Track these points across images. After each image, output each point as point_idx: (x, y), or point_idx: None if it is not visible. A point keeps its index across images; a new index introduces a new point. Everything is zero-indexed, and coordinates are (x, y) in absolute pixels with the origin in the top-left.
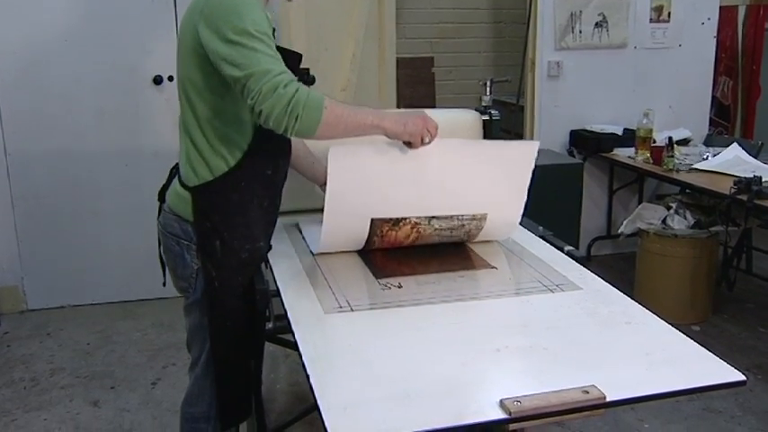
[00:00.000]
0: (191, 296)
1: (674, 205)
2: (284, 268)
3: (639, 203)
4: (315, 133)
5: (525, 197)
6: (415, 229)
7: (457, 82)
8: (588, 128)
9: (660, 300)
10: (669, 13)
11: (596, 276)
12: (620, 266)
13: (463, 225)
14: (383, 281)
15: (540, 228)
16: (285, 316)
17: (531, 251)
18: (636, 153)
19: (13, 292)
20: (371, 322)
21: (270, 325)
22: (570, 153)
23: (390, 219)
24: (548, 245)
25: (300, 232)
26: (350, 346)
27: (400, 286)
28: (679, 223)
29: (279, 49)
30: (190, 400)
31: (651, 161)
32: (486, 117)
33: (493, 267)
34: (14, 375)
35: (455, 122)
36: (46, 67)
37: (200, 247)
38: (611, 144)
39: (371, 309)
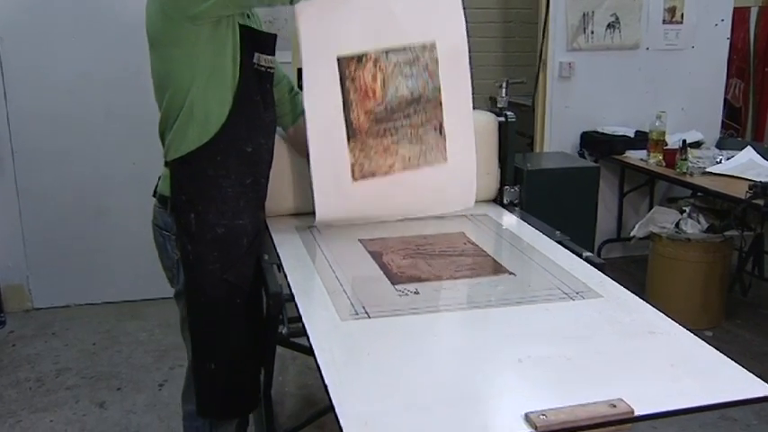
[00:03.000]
0: (175, 287)
1: (687, 209)
2: (298, 272)
3: (650, 206)
4: None
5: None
6: (377, 66)
7: None
8: (600, 129)
9: (672, 304)
10: (682, 15)
11: (616, 284)
12: (631, 270)
13: (418, 57)
14: (400, 287)
15: (558, 233)
16: (299, 320)
17: (548, 256)
18: (648, 156)
19: (19, 291)
20: (389, 329)
21: (284, 329)
22: (581, 155)
23: (353, 56)
24: (565, 250)
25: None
26: (368, 355)
27: (417, 292)
28: (692, 227)
29: (253, 30)
30: (185, 396)
31: (664, 164)
32: (502, 119)
33: (511, 273)
34: (20, 375)
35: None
36: (53, 64)
37: (176, 222)
38: (623, 146)
39: (388, 315)
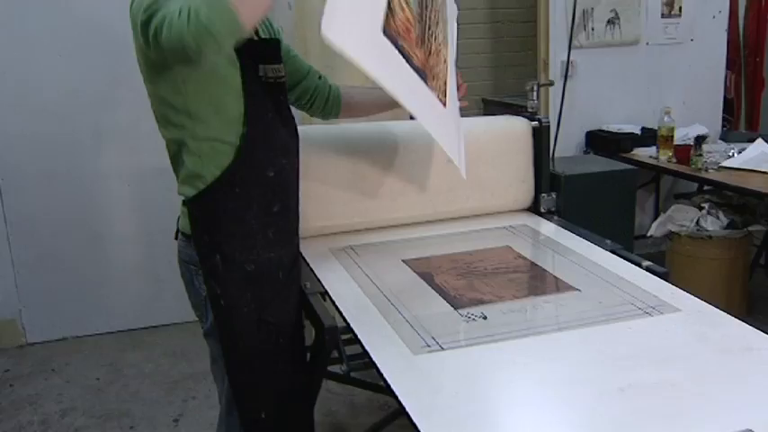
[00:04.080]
0: (204, 325)
1: (706, 206)
2: (348, 301)
3: (656, 203)
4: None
5: None
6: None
7: None
8: (604, 128)
9: None
10: (680, 8)
11: (689, 294)
12: None
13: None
14: (464, 311)
15: (608, 241)
16: (364, 356)
17: (606, 268)
18: (658, 152)
19: (11, 326)
20: (468, 361)
21: (344, 367)
22: (587, 154)
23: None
24: (622, 260)
25: None
26: (455, 393)
27: (485, 317)
28: (713, 224)
29: (252, 41)
30: None
31: (675, 160)
32: (536, 123)
33: (576, 290)
34: (21, 419)
35: (504, 130)
36: (38, 83)
37: (202, 265)
38: (631, 144)
39: (464, 346)
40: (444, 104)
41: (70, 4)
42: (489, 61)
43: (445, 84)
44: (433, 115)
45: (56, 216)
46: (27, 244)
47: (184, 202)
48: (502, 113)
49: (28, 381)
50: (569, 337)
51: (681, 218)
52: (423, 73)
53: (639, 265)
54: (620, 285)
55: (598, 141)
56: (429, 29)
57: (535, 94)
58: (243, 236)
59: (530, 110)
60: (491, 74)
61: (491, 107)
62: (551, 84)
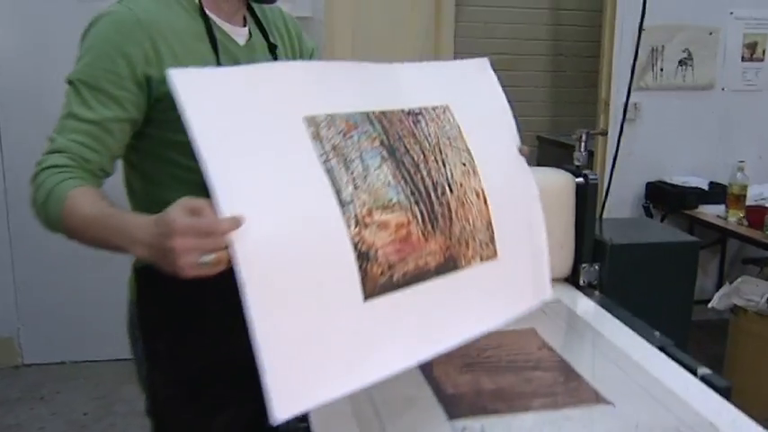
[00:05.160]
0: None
1: None
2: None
3: (721, 266)
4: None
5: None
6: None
7: None
8: (667, 179)
9: (762, 394)
10: (764, 51)
11: (757, 426)
12: (701, 339)
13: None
14: (460, 422)
15: (657, 333)
16: None
17: (651, 373)
18: (727, 212)
19: (8, 345)
20: None
21: None
22: (646, 208)
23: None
24: (671, 361)
25: None
26: None
27: None
28: None
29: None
30: None
31: (746, 223)
32: (581, 180)
33: (608, 403)
34: None
35: (543, 185)
36: (50, 96)
37: (144, 352)
38: (696, 200)
39: None
40: (496, 255)
41: None
42: (548, 96)
43: (489, 228)
44: (485, 301)
45: (61, 236)
46: (30, 262)
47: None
48: (556, 153)
49: (13, 407)
50: None
51: (749, 291)
52: (450, 262)
53: (694, 373)
54: (665, 401)
55: (659, 194)
56: (434, 198)
57: (583, 144)
58: (198, 326)
59: (576, 163)
60: (549, 109)
61: (545, 146)
62: (604, 133)
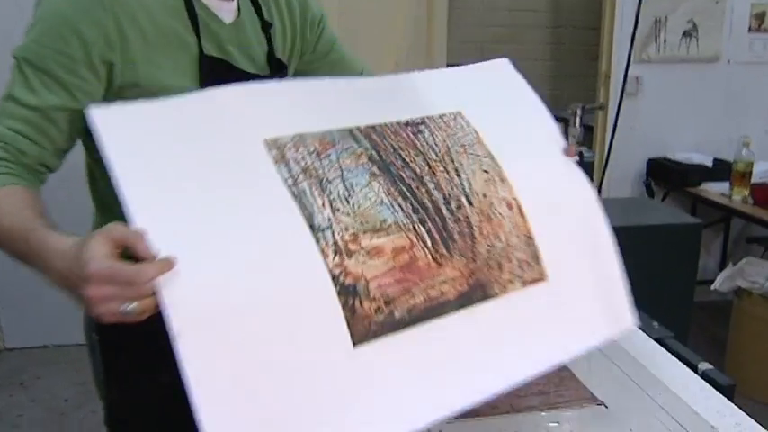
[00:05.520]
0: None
1: None
2: None
3: (724, 245)
4: None
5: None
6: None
7: None
8: (669, 156)
9: (765, 375)
10: None
11: (753, 422)
12: (702, 321)
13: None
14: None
15: (655, 324)
16: None
17: (648, 369)
18: (731, 190)
19: None
20: None
21: None
22: (647, 186)
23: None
24: (670, 356)
25: None
26: None
27: None
28: None
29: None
30: None
31: (751, 201)
32: (576, 157)
33: (598, 404)
34: None
35: None
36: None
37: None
38: (699, 177)
39: None
40: (544, 276)
41: None
42: (548, 69)
43: (531, 244)
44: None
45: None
46: None
47: None
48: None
49: None
50: None
51: (753, 273)
52: (477, 290)
53: (695, 369)
54: (662, 402)
55: (661, 171)
56: (446, 214)
57: (578, 119)
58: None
59: (571, 140)
60: (549, 83)
61: None
62: (602, 107)
